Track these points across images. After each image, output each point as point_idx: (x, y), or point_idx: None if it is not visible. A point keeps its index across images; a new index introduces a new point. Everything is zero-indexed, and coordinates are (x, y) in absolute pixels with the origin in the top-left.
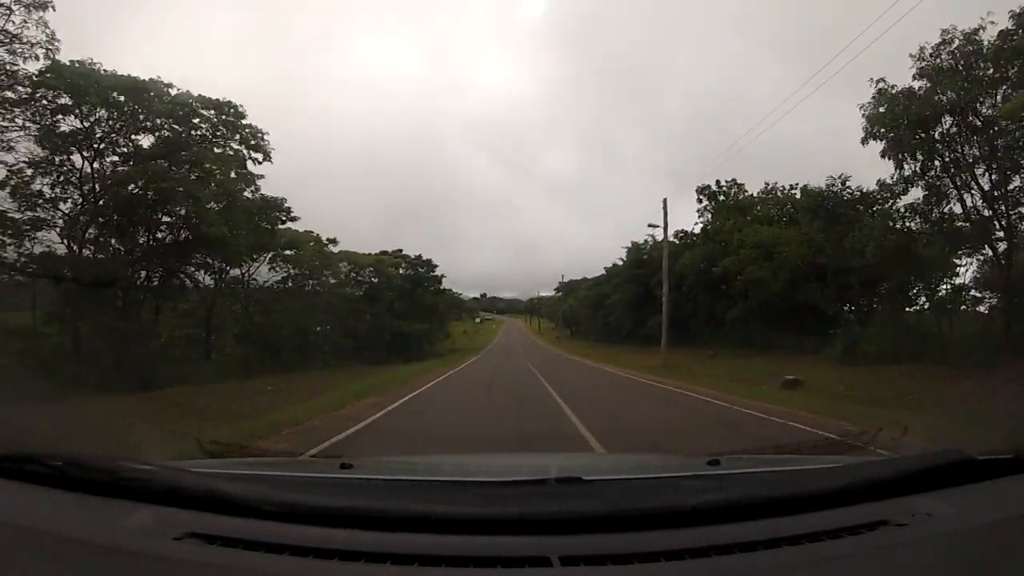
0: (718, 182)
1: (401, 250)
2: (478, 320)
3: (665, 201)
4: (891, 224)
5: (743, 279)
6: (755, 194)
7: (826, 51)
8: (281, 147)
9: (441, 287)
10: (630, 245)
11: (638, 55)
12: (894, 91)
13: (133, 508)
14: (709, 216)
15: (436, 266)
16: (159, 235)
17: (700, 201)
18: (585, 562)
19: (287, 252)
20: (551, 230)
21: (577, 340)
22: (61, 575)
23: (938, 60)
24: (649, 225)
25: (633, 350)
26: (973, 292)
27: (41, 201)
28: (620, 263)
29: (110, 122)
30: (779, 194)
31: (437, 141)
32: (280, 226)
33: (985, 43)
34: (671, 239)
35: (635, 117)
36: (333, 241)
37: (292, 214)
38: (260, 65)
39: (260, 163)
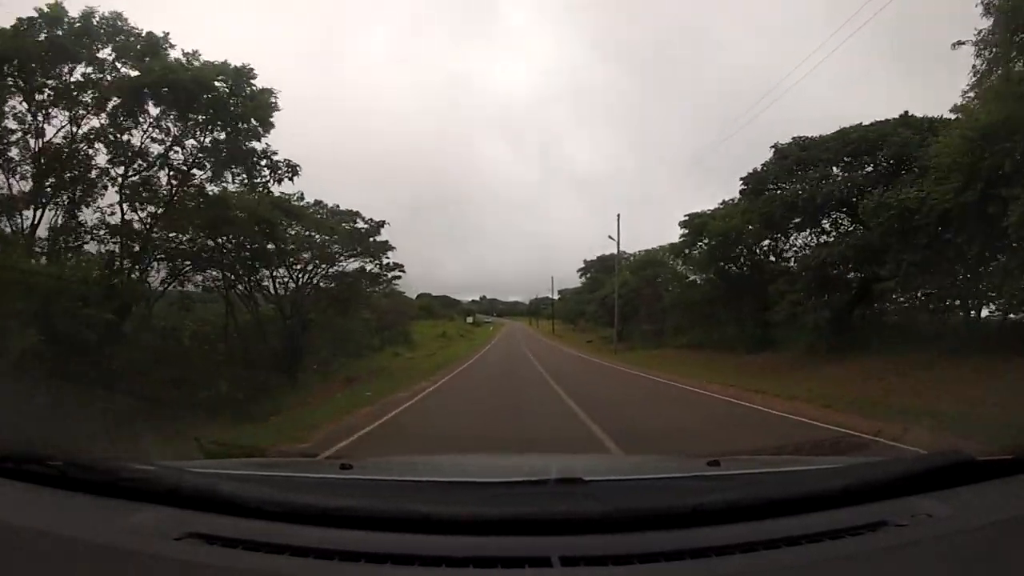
0: None
1: (168, 35)
2: (470, 320)
3: None
4: None
5: None
6: None
7: None
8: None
9: (299, 199)
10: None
11: (661, 38)
12: None
13: (133, 508)
14: None
15: (272, 92)
16: None
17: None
18: (586, 562)
19: None
20: (554, 234)
21: (654, 349)
22: (61, 575)
23: None
24: None
25: None
26: None
27: None
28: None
29: None
30: None
31: (436, 138)
32: None
33: None
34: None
35: (653, 106)
36: None
37: None
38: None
39: None
